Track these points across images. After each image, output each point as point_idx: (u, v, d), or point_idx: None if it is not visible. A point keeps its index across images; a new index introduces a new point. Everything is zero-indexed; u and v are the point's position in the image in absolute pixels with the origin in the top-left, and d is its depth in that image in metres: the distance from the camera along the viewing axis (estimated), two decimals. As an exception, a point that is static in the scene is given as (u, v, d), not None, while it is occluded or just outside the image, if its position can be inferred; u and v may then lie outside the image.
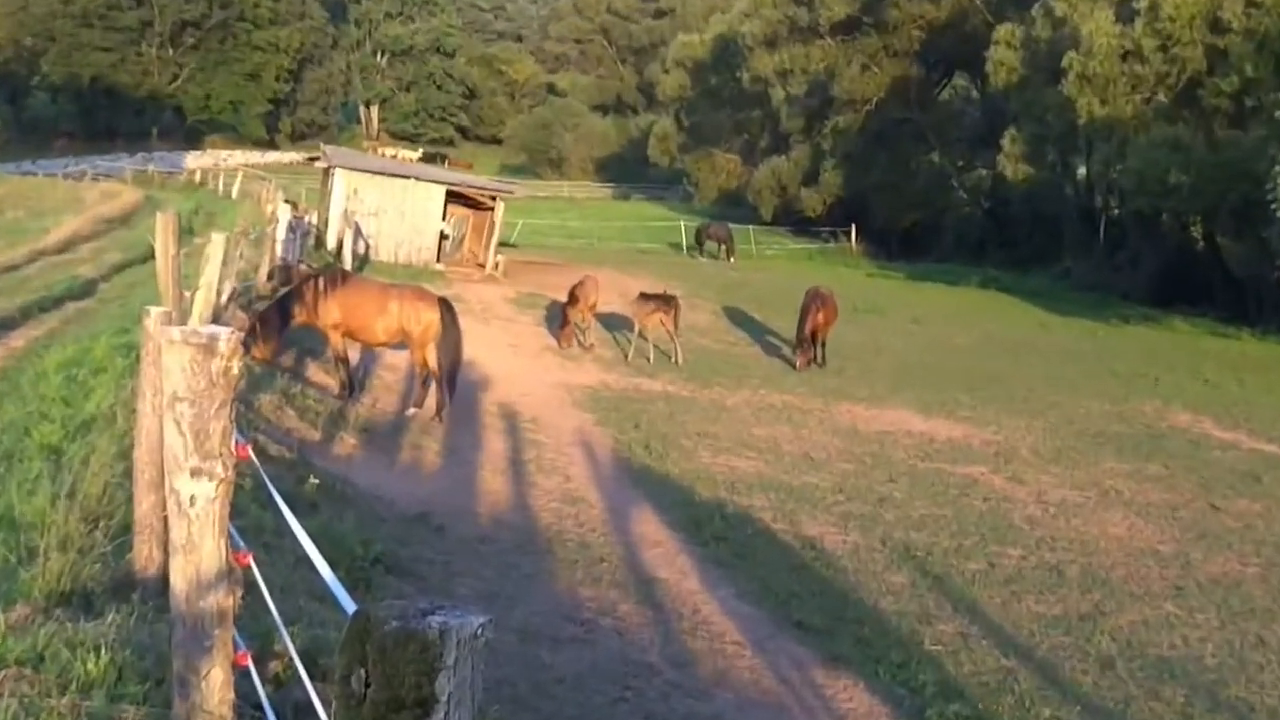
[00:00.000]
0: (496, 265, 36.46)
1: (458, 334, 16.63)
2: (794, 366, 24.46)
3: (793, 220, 66.51)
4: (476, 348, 20.26)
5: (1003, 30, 48.81)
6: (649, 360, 23.77)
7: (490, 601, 9.15)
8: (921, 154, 65.07)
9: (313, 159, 43.41)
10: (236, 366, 3.86)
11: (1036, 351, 30.31)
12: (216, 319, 14.77)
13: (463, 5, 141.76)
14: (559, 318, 25.07)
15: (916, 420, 20.16)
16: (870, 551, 12.41)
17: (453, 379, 16.62)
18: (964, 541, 13.07)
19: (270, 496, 5.10)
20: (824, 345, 25.48)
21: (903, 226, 62.85)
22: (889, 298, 39.36)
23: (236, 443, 4.04)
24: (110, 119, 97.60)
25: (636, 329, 24.24)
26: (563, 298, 25.37)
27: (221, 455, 3.86)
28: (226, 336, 3.83)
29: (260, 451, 10.23)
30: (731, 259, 52.02)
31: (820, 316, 24.71)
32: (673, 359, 23.96)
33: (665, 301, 24.13)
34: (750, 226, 62.00)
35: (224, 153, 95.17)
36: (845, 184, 62.40)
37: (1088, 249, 50.01)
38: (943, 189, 64.28)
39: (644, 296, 24.64)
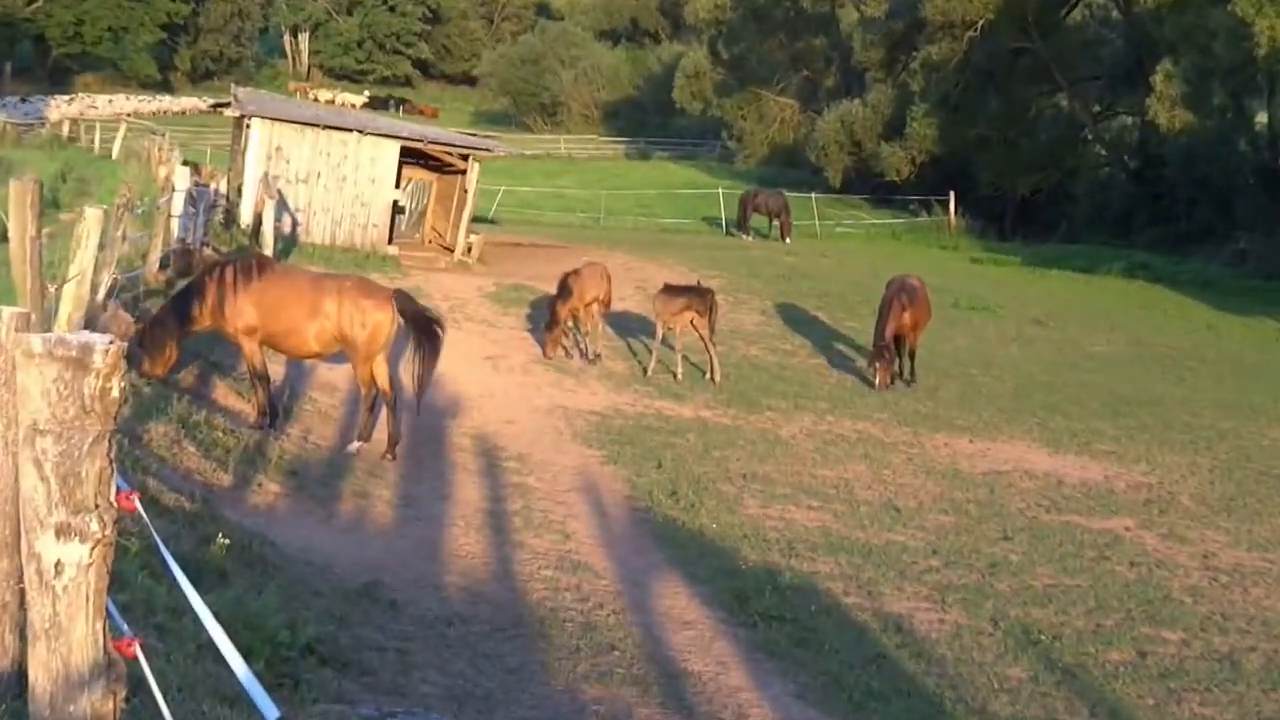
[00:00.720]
0: (469, 248, 36.48)
1: (431, 331, 16.71)
2: (872, 384, 24.40)
3: (870, 186, 66.38)
4: (444, 360, 20.28)
5: (1153, -72, 48.82)
6: (676, 376, 23.76)
7: (461, 704, 9.13)
8: (1044, 96, 64.88)
9: (220, 106, 43.49)
10: (118, 387, 3.86)
11: (1202, 363, 30.15)
12: (91, 323, 14.81)
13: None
14: (548, 317, 25.03)
15: (1039, 456, 20.08)
16: (977, 635, 12.35)
17: (423, 388, 16.74)
18: (1104, 621, 13.01)
19: (164, 562, 5.10)
20: (913, 355, 25.40)
21: (1019, 194, 62.69)
22: (1001, 291, 39.24)
23: (118, 490, 4.04)
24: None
25: (659, 333, 24.22)
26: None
27: (98, 507, 3.86)
28: (104, 347, 3.83)
29: (151, 502, 10.25)
30: (787, 239, 52.00)
31: (907, 317, 24.64)
32: (708, 374, 23.94)
33: (698, 297, 24.10)
34: (812, 195, 61.95)
35: (101, 97, 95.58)
36: (941, 137, 62.29)
37: (1270, 224, 49.78)
38: (1073, 143, 64.09)
39: (669, 290, 24.60)
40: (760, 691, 10.43)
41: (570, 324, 25.38)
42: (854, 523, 15.90)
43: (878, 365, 24.49)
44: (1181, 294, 41.96)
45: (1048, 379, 26.79)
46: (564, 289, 24.57)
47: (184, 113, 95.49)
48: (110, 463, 3.88)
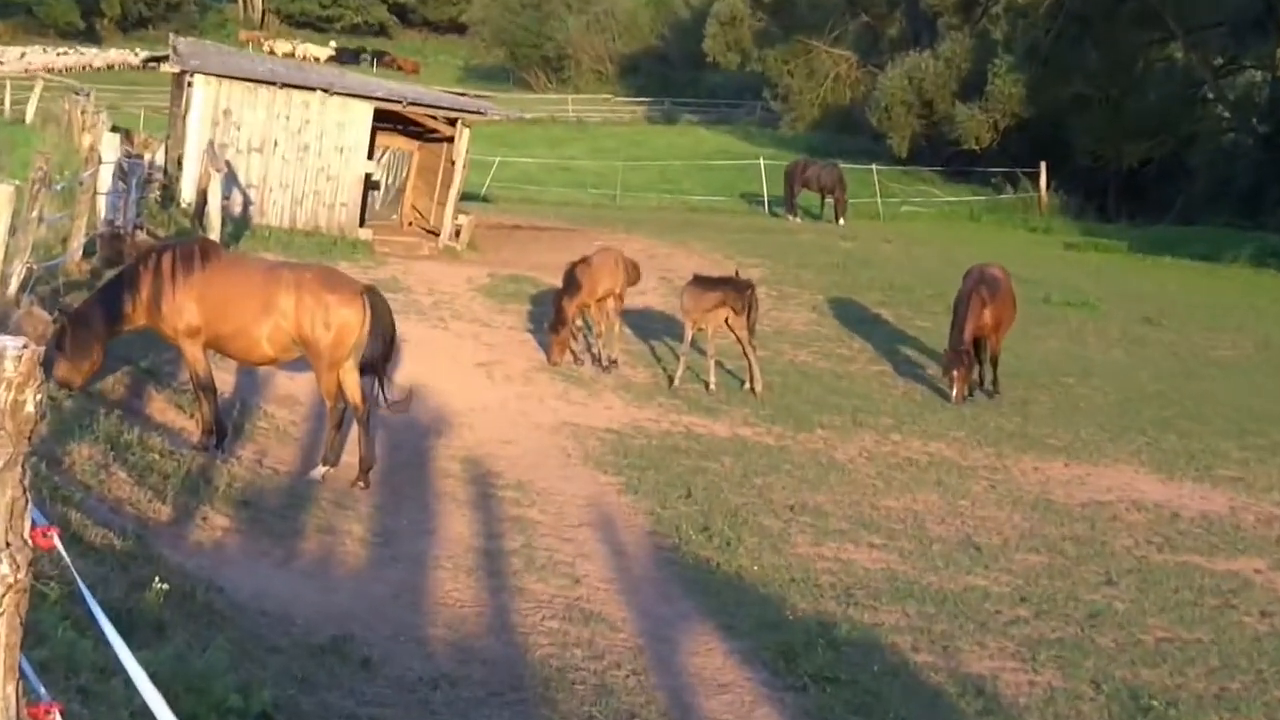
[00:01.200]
0: (457, 231, 36.53)
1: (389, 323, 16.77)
2: (947, 396, 24.37)
3: (943, 157, 66.36)
4: (427, 366, 20.28)
5: None
6: (709, 387, 23.76)
7: (449, 784, 9.13)
8: (1154, 47, 64.71)
9: (156, 60, 43.68)
10: (33, 401, 3.86)
11: (1348, 370, 30.08)
12: (1, 323, 14.85)
13: None
14: (552, 315, 24.95)
15: (1150, 484, 20.03)
16: (1075, 700, 12.32)
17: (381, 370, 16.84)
18: (1229, 683, 12.96)
19: (90, 612, 5.10)
20: (995, 361, 25.34)
21: (1124, 166, 62.52)
22: (1103, 283, 39.16)
23: (34, 525, 4.04)
24: None
25: (688, 335, 24.20)
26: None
27: (9, 546, 3.86)
28: (17, 353, 3.83)
29: (73, 539, 10.26)
30: (842, 220, 51.97)
31: (988, 314, 24.61)
32: (747, 383, 23.94)
33: (734, 291, 24.06)
34: (873, 167, 61.94)
35: (12, 50, 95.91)
36: (1029, 97, 62.17)
37: None
38: (1189, 104, 63.86)
39: (700, 282, 24.57)
40: (811, 769, 10.42)
41: (580, 323, 25.39)
42: (925, 564, 15.86)
43: (954, 373, 24.43)
44: (1322, 286, 41.94)
45: (1159, 389, 26.72)
46: (572, 281, 24.50)
47: (112, 68, 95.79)
48: (24, 492, 3.88)
